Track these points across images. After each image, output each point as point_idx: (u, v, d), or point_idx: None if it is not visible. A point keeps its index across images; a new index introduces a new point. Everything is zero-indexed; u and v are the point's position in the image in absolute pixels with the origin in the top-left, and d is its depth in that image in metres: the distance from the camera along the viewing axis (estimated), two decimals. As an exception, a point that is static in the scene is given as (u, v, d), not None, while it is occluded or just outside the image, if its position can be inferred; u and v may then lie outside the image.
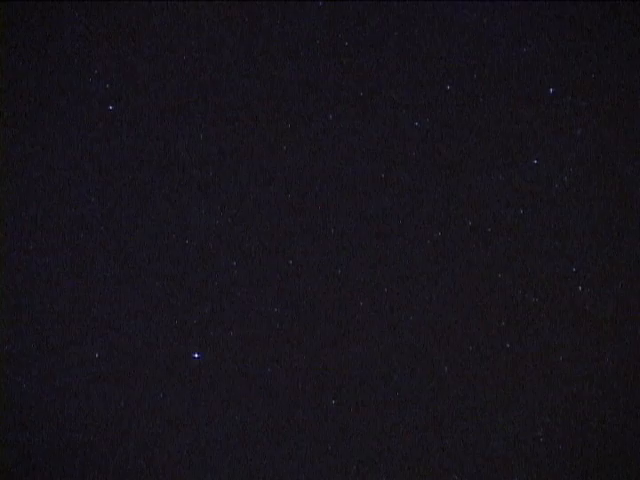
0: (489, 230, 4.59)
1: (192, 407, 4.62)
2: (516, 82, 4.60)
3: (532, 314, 4.58)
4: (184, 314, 4.65)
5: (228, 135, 4.68)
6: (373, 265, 4.63)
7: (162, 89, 4.69)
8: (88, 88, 4.69)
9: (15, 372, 4.63)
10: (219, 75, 4.69)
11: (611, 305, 4.54)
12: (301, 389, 4.62)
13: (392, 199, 4.64)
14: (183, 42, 4.69)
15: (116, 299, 4.65)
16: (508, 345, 4.57)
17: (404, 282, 4.62)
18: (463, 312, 4.59)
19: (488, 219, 4.60)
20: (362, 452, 4.59)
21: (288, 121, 4.66)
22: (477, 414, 4.56)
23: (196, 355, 4.63)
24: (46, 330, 4.64)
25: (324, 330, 4.62)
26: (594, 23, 4.56)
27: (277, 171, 4.67)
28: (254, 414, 4.62)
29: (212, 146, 4.68)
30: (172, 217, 4.67)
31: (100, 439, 4.61)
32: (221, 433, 4.63)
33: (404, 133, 4.64)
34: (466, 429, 4.56)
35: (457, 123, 4.62)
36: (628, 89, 4.55)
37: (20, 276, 4.66)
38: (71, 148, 4.69)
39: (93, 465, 4.61)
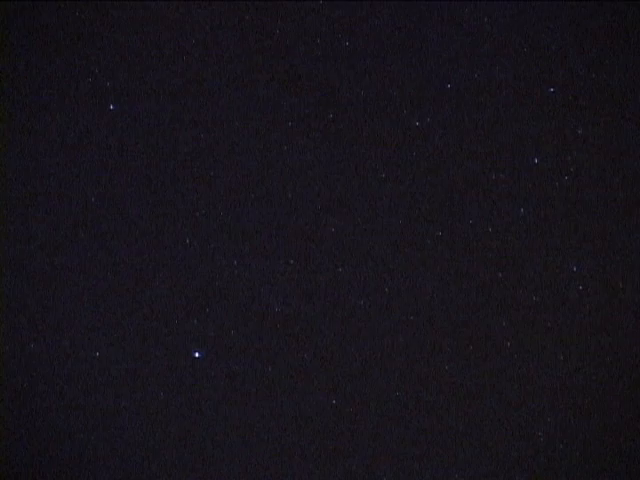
0: (489, 229, 4.60)
1: (193, 406, 4.62)
2: (516, 82, 4.60)
3: (532, 314, 4.58)
4: (184, 313, 4.65)
5: (228, 134, 4.68)
6: (373, 265, 4.63)
7: (163, 88, 4.69)
8: (88, 88, 4.69)
9: (15, 372, 4.63)
10: (219, 74, 4.69)
11: (611, 305, 4.54)
12: (301, 389, 4.62)
13: (392, 199, 4.64)
14: (183, 41, 4.69)
15: (116, 299, 4.66)
16: (508, 345, 4.57)
17: (404, 282, 4.62)
18: (463, 312, 4.59)
19: (488, 219, 4.60)
20: (362, 452, 4.59)
21: (288, 121, 4.67)
22: (477, 414, 4.56)
23: (197, 354, 4.63)
24: (46, 330, 4.64)
25: (324, 330, 4.62)
26: (594, 23, 4.56)
27: (277, 171, 4.67)
28: (254, 413, 4.62)
29: (213, 145, 4.68)
30: (172, 216, 4.68)
31: (100, 438, 4.61)
32: (221, 432, 4.63)
33: (404, 133, 4.65)
34: (466, 429, 4.56)
35: (457, 123, 4.62)
36: (628, 89, 4.56)
37: (20, 276, 4.66)
38: (71, 148, 4.69)
39: (93, 464, 4.61)
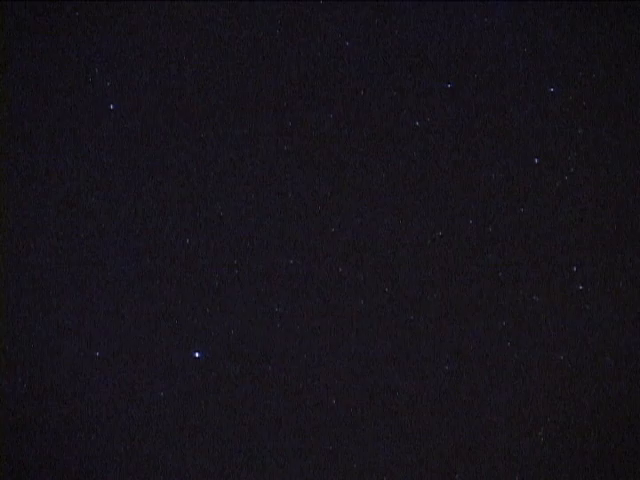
0: (489, 229, 4.60)
1: (192, 406, 4.62)
2: (516, 82, 4.60)
3: (532, 314, 4.58)
4: (184, 313, 4.65)
5: (229, 134, 4.68)
6: (373, 265, 4.63)
7: (163, 88, 4.69)
8: (89, 87, 4.69)
9: (15, 372, 4.62)
10: (220, 74, 4.69)
11: (611, 305, 4.54)
12: (301, 388, 4.61)
13: (392, 199, 4.64)
14: (184, 41, 4.70)
15: (116, 298, 4.65)
16: (508, 345, 4.57)
17: (404, 282, 4.62)
18: (463, 312, 4.59)
19: (488, 219, 4.60)
20: (362, 452, 4.59)
21: (288, 121, 4.67)
22: (477, 414, 4.56)
23: (197, 354, 4.63)
24: (46, 330, 4.64)
25: (324, 329, 4.62)
26: (594, 23, 4.57)
27: (277, 170, 4.67)
28: (254, 413, 4.62)
29: (213, 145, 4.68)
30: (172, 216, 4.67)
31: (100, 438, 4.61)
32: (221, 432, 4.62)
33: (404, 133, 4.65)
34: (466, 429, 4.56)
35: (457, 123, 4.62)
36: (628, 89, 4.56)
37: (20, 276, 4.66)
38: (72, 147, 4.69)
39: (93, 465, 4.61)
